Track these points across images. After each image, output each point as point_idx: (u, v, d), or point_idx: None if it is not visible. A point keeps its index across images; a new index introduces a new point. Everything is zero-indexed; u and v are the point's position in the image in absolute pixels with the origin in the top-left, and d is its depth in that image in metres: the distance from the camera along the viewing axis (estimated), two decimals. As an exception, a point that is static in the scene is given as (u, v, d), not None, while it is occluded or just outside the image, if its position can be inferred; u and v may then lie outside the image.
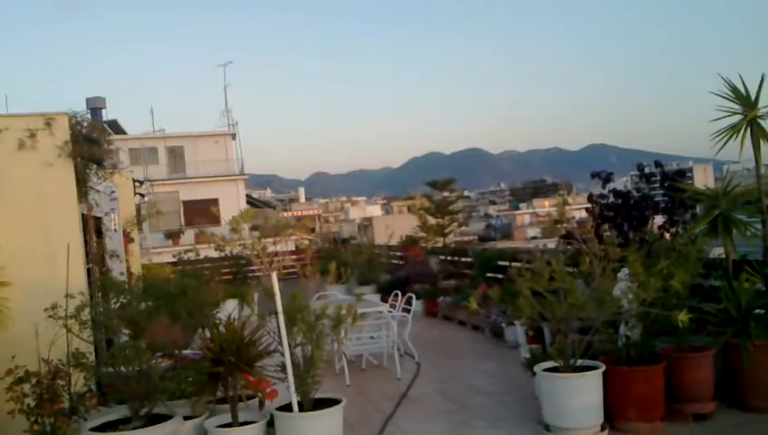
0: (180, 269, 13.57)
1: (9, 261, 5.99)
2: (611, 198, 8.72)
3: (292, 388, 5.23)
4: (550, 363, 5.90)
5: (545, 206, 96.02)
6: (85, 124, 6.65)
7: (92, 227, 7.23)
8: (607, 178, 8.86)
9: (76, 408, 5.17)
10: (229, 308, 6.88)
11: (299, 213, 77.77)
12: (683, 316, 5.46)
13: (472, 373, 8.57)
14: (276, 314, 5.32)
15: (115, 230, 9.09)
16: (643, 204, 8.38)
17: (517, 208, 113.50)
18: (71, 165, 6.40)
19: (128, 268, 10.52)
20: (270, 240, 5.83)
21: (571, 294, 5.67)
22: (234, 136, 38.15)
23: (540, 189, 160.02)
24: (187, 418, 5.27)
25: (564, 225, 7.67)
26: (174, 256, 18.53)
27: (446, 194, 20.64)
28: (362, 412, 6.92)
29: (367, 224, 55.64)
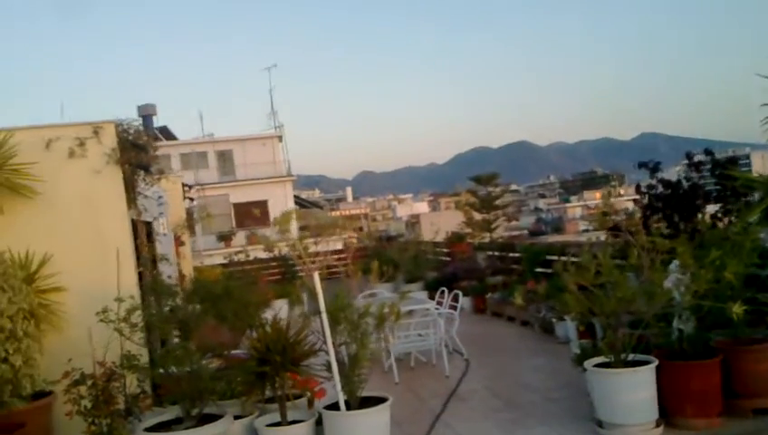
0: (226, 271, 13.80)
1: (63, 267, 6.21)
2: (660, 189, 8.51)
3: (339, 386, 5.26)
4: (601, 359, 5.79)
5: (596, 197, 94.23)
6: (132, 132, 6.80)
7: (142, 232, 7.41)
8: (654, 168, 8.63)
9: (131, 409, 5.31)
10: (278, 308, 6.95)
11: (346, 212, 78.19)
12: (737, 308, 5.28)
13: (521, 370, 8.47)
14: (319, 313, 5.36)
15: (164, 234, 9.29)
16: (693, 193, 8.15)
17: (567, 201, 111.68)
18: (119, 171, 6.55)
19: (179, 271, 10.77)
20: (311, 240, 5.87)
21: (619, 288, 5.54)
22: (280, 138, 38.62)
23: (590, 181, 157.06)
24: (237, 417, 5.35)
25: (613, 217, 7.51)
26: (225, 258, 18.84)
27: (490, 189, 20.48)
28: (411, 410, 6.92)
29: (414, 221, 55.64)
